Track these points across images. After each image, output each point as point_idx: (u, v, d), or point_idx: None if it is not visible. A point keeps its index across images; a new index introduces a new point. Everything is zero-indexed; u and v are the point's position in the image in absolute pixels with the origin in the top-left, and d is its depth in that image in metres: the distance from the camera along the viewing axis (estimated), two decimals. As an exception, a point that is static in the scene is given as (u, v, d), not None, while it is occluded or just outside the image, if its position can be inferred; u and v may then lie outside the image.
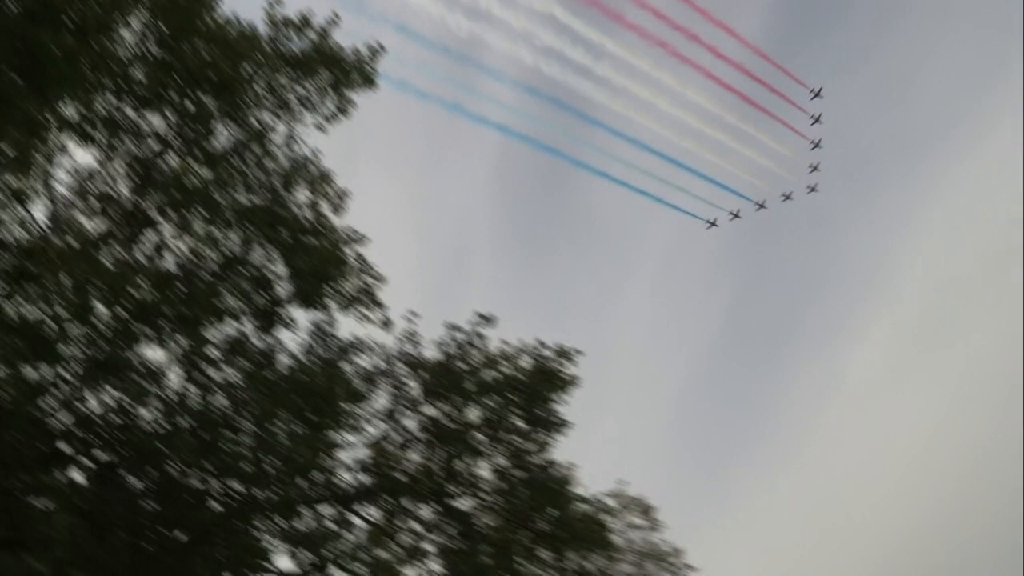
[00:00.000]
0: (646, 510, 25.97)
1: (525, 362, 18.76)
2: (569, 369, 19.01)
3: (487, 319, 18.53)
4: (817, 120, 60.35)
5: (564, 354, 18.97)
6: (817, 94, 59.30)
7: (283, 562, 16.76)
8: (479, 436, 18.57)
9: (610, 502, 22.59)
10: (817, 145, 61.59)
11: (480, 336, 18.46)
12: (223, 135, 15.42)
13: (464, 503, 18.63)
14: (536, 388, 18.71)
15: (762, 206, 63.11)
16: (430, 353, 18.20)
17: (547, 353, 18.91)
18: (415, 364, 18.02)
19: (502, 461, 18.82)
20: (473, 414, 18.52)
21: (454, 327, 18.35)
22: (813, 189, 64.17)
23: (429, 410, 18.16)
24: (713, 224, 62.88)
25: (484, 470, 18.77)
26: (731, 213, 62.59)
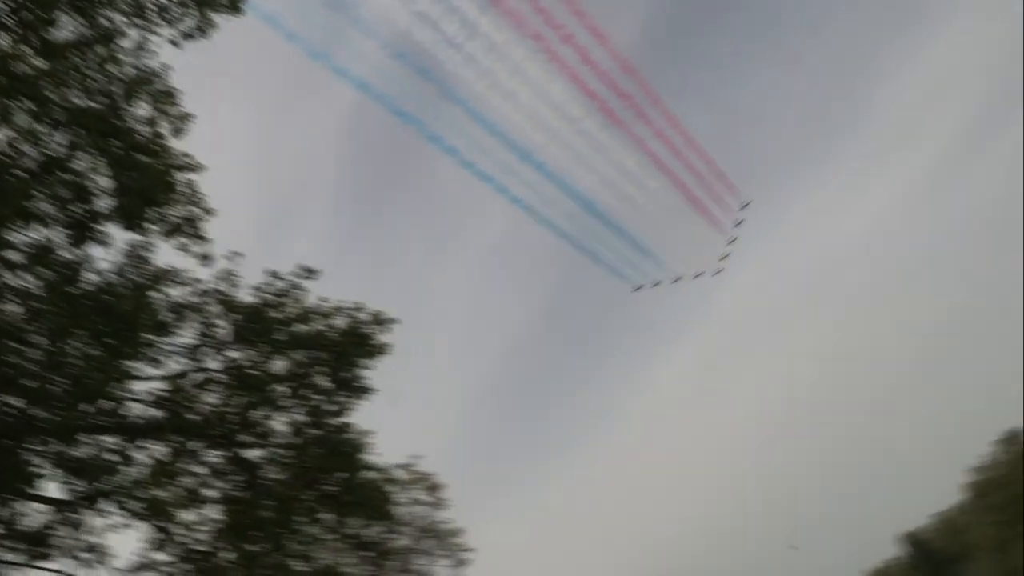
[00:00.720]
0: (434, 488, 26.96)
1: (340, 322, 19.03)
2: (382, 336, 19.53)
3: (310, 272, 18.64)
4: None
5: (380, 321, 19.44)
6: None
7: (53, 489, 15.96)
8: (280, 389, 18.59)
9: (400, 474, 23.35)
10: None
11: (299, 288, 18.53)
12: (67, 27, 14.69)
13: (254, 453, 18.56)
14: (346, 350, 19.02)
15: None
16: (246, 296, 18.05)
17: (363, 317, 19.30)
18: (228, 305, 17.79)
19: (299, 417, 18.95)
20: (278, 366, 18.54)
21: (275, 274, 18.31)
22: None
23: (234, 354, 17.97)
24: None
25: (279, 423, 18.81)
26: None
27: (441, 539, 27.59)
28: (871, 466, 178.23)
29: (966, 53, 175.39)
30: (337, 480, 19.47)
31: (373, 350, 19.48)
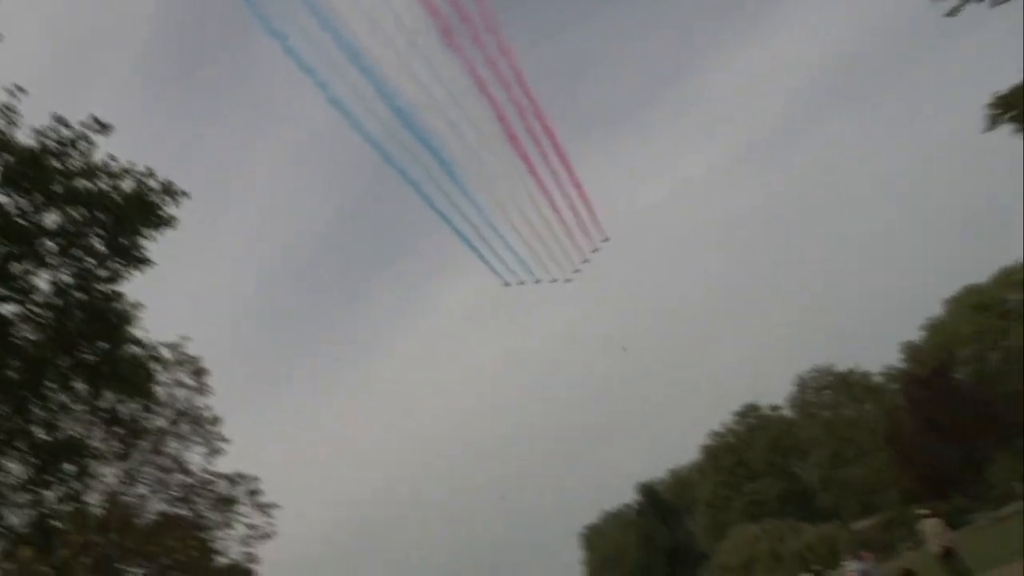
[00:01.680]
0: (199, 372, 26.41)
1: (126, 185, 18.16)
2: (170, 209, 18.87)
3: (102, 126, 17.53)
4: None
5: (170, 192, 18.73)
6: None
7: None
8: (49, 244, 17.56)
9: (165, 354, 22.67)
10: None
11: (88, 141, 17.45)
12: None
13: (8, 308, 17.48)
14: (129, 215, 18.18)
15: None
16: (25, 138, 16.78)
17: (153, 184, 18.53)
18: (2, 144, 16.48)
19: (66, 278, 18.02)
20: (51, 219, 17.47)
21: (62, 121, 17.12)
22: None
23: (2, 199, 16.73)
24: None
25: (43, 281, 17.80)
26: None
27: (198, 425, 27.32)
28: (623, 421, 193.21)
29: (798, 46, 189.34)
30: (97, 350, 18.76)
31: (157, 221, 18.79)
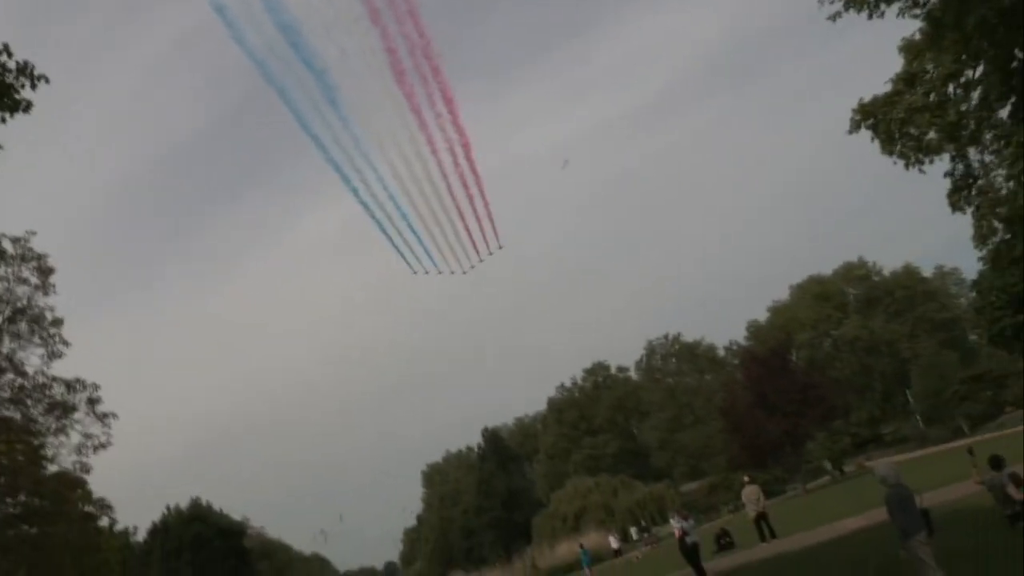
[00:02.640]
0: (44, 270, 24.68)
1: (-18, 61, 16.73)
2: (26, 92, 17.51)
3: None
4: None
5: (28, 73, 17.37)
6: None
7: None
8: None
9: (7, 246, 21.05)
10: None
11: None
12: None
13: None
14: (-19, 94, 16.83)
15: None
16: None
17: (9, 63, 17.13)
18: None
19: (-100, 152, 16.51)
20: None
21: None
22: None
23: None
24: None
25: None
26: None
27: (38, 325, 25.77)
28: (475, 366, 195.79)
29: (692, 23, 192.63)
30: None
31: (10, 103, 17.41)
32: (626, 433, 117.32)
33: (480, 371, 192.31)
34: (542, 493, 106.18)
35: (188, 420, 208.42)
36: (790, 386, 60.27)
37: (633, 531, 62.06)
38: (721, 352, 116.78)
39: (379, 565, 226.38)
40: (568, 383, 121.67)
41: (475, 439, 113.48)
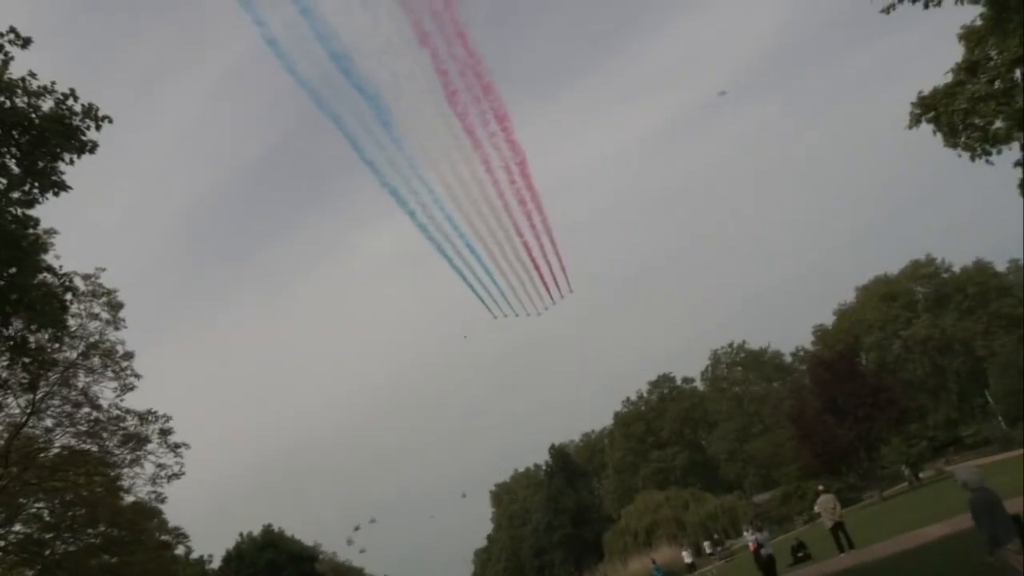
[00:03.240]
0: (113, 305, 25.47)
1: (46, 105, 17.32)
2: (91, 133, 18.06)
3: (22, 39, 16.65)
4: None
5: (92, 115, 17.93)
6: None
7: None
8: (-42, 160, 16.65)
9: (79, 283, 21.72)
10: None
11: (5, 55, 16.52)
12: None
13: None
14: (47, 136, 17.40)
15: None
16: (-64, 46, 15.75)
17: (75, 107, 17.71)
18: (-88, 50, 15.47)
19: (-25, 197, 17.13)
20: (-37, 135, 16.53)
21: (-22, 31, 16.14)
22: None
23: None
24: None
25: (-50, 199, 16.87)
26: None
27: (110, 359, 26.51)
28: (543, 384, 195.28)
29: (740, 25, 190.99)
30: (6, 275, 17.96)
31: (77, 145, 17.98)
32: (694, 445, 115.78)
33: (546, 388, 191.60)
34: (611, 509, 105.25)
35: (258, 447, 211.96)
36: (860, 389, 58.77)
37: (706, 545, 60.92)
38: (788, 358, 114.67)
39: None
40: (634, 397, 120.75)
41: (543, 457, 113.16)
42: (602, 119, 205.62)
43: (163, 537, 36.56)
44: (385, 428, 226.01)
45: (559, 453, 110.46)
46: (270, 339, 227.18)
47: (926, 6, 15.79)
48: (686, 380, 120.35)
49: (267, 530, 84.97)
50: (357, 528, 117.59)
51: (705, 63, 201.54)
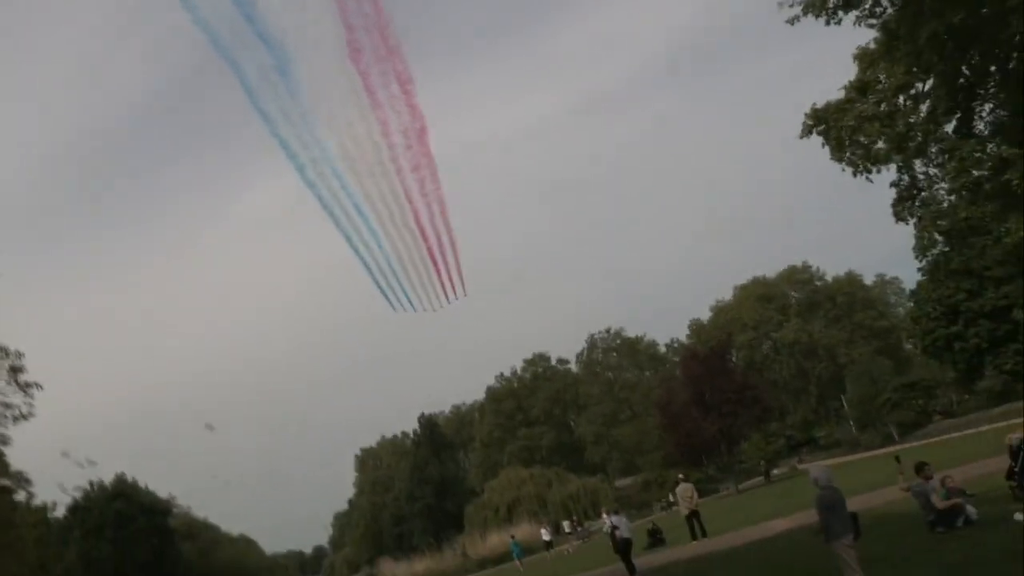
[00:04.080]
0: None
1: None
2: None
3: None
4: None
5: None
6: None
7: None
8: None
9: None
10: None
11: None
12: None
13: None
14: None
15: None
16: None
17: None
18: None
19: None
20: None
21: None
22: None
23: None
24: None
25: None
26: None
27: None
28: (417, 352, 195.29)
29: (654, 17, 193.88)
30: None
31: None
32: (563, 425, 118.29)
33: (421, 355, 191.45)
34: (476, 482, 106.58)
35: (123, 396, 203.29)
36: (728, 386, 61.38)
37: (566, 524, 62.62)
38: (662, 349, 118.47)
39: (308, 549, 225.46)
40: (508, 373, 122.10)
41: (411, 425, 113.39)
42: (510, 95, 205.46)
43: (3, 481, 34.80)
44: (254, 388, 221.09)
45: (428, 423, 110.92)
46: (143, 285, 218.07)
47: (827, 23, 16.63)
48: (561, 361, 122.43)
49: (119, 479, 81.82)
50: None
51: (617, 50, 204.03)
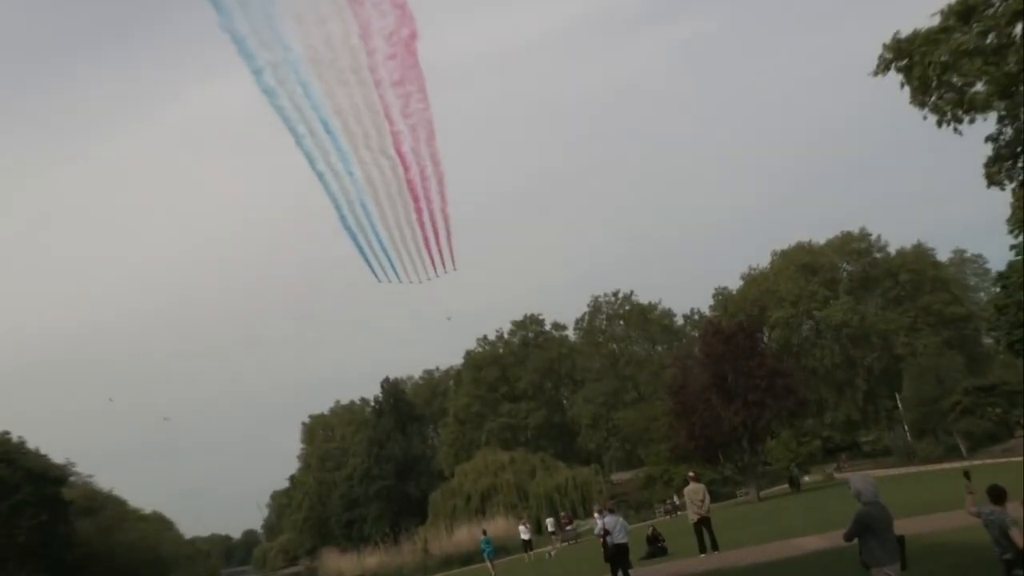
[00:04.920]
0: None
1: None
2: None
3: None
4: None
5: None
6: None
7: None
8: None
9: None
10: None
11: None
12: None
13: None
14: None
15: None
16: None
17: None
18: None
19: None
20: None
21: None
22: None
23: None
24: None
25: None
26: None
27: None
28: (385, 305, 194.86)
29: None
30: None
31: None
32: (554, 403, 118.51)
33: (391, 308, 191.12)
34: (445, 464, 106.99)
35: (6, 340, 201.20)
36: (756, 370, 61.07)
37: (549, 522, 62.80)
38: (679, 320, 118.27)
39: (237, 534, 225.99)
40: (492, 336, 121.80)
41: (374, 391, 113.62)
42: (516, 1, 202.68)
43: None
44: (179, 335, 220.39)
45: (393, 389, 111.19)
46: (35, 200, 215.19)
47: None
48: (557, 326, 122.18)
49: (1, 439, 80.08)
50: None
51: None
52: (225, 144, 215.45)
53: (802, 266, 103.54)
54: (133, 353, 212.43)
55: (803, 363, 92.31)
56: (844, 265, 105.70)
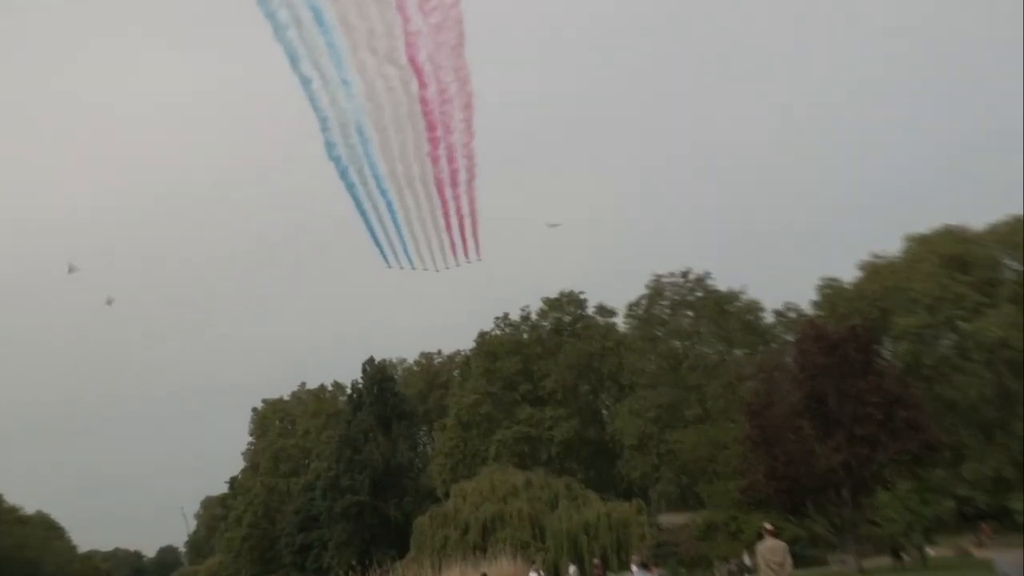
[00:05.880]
0: None
1: None
2: None
3: None
4: None
5: None
6: None
7: None
8: None
9: None
10: None
11: None
12: None
13: None
14: None
15: None
16: None
17: None
18: None
19: None
20: None
21: None
22: None
23: None
24: None
25: None
26: None
27: None
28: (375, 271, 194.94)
29: None
30: None
31: None
32: (590, 412, 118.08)
33: (381, 281, 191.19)
34: (438, 479, 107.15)
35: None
36: (869, 395, 60.38)
37: (572, 571, 63.05)
38: (768, 317, 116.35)
39: (151, 550, 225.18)
40: (516, 316, 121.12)
41: (353, 375, 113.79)
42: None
43: None
44: (109, 276, 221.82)
45: (378, 373, 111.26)
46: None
47: None
48: (603, 311, 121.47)
49: None
50: None
51: None
52: (188, 33, 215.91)
53: (948, 259, 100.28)
54: (29, 309, 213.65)
55: (937, 392, 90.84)
56: (1008, 262, 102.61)
